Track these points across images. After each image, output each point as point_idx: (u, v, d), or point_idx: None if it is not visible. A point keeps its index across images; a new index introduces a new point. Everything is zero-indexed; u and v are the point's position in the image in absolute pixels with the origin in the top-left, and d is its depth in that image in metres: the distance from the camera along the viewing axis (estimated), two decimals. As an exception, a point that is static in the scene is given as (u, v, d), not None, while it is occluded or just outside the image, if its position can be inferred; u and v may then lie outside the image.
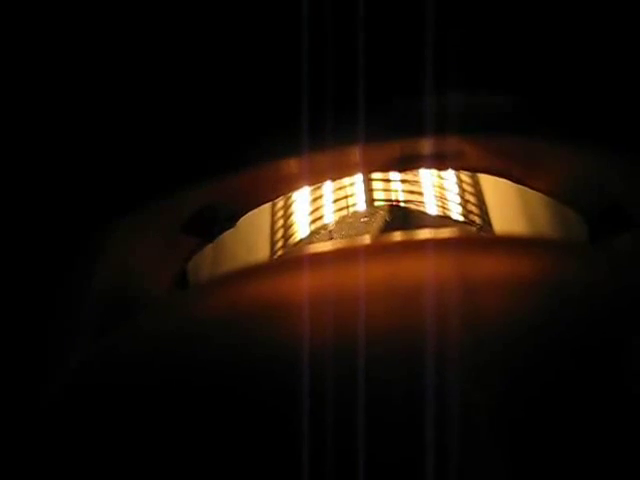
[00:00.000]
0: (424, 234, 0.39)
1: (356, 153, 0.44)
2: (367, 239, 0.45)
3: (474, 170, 0.49)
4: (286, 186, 0.47)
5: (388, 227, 0.48)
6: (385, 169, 0.47)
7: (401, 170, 0.47)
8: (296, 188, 0.48)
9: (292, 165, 0.44)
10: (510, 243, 0.40)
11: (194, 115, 0.43)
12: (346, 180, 0.50)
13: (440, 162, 0.45)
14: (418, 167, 0.47)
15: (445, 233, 0.41)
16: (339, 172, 0.46)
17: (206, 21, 0.44)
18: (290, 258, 0.44)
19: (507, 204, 0.52)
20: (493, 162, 0.46)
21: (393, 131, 0.43)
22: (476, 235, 0.46)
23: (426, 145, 0.44)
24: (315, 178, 0.46)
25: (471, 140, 0.44)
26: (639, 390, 0.38)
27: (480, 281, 0.37)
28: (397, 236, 0.39)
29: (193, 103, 0.43)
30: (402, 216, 0.49)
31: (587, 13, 0.44)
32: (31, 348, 0.45)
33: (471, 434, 0.36)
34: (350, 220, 0.49)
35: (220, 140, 0.43)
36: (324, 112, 0.41)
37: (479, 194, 0.52)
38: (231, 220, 0.47)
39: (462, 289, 0.37)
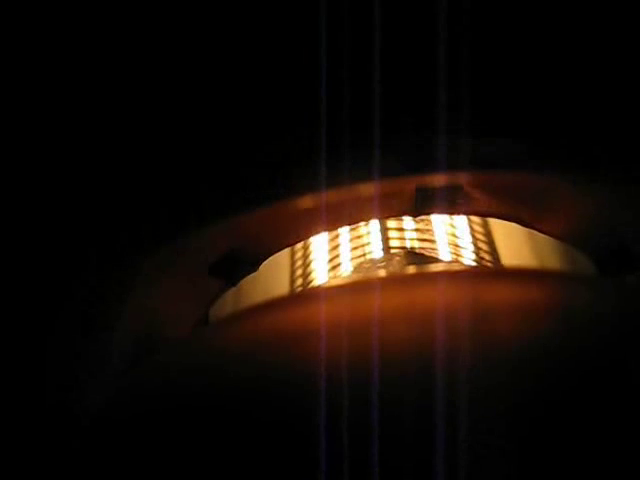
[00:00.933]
0: (438, 267, 0.41)
1: (371, 188, 0.46)
2: (383, 273, 0.47)
3: (484, 215, 0.50)
4: (306, 230, 0.49)
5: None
6: (398, 213, 0.49)
7: (414, 215, 0.49)
8: (315, 232, 0.50)
9: (310, 204, 0.46)
10: (521, 273, 0.42)
11: (215, 156, 0.46)
12: (363, 229, 0.53)
13: (450, 206, 0.47)
14: (430, 212, 0.49)
15: (458, 266, 0.42)
16: (356, 211, 0.48)
17: (225, 60, 0.46)
18: (307, 291, 0.46)
19: (518, 249, 0.53)
20: (502, 206, 0.48)
21: (404, 169, 0.45)
22: (488, 267, 0.48)
23: (437, 186, 0.46)
24: (333, 218, 0.48)
25: (481, 179, 0.46)
26: None
27: (492, 307, 0.39)
28: (412, 269, 0.41)
29: (215, 144, 0.46)
30: (418, 262, 0.51)
31: (595, 52, 0.46)
32: (57, 385, 0.46)
33: (482, 456, 0.38)
34: (367, 266, 0.51)
35: (240, 179, 0.45)
36: (341, 150, 0.43)
37: (490, 240, 0.53)
38: (254, 264, 0.49)
39: (475, 316, 0.38)
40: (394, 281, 0.40)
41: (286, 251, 0.52)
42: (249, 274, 0.49)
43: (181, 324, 0.49)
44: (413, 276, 0.40)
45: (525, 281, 0.40)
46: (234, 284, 0.49)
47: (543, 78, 0.46)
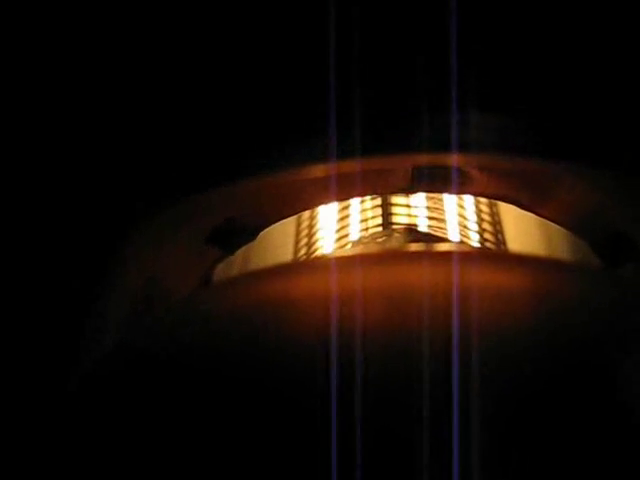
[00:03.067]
0: (424, 246, 0.41)
1: (373, 164, 0.46)
2: (371, 249, 0.47)
3: (482, 195, 0.50)
4: (306, 201, 0.49)
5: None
6: (398, 190, 0.49)
7: (413, 191, 0.49)
8: (317, 203, 0.50)
9: (313, 175, 0.46)
10: (508, 258, 0.41)
11: (219, 124, 0.46)
12: (368, 204, 0.53)
13: (447, 185, 0.47)
14: (426, 190, 0.49)
15: (446, 246, 0.42)
16: (359, 186, 0.48)
17: (236, 32, 0.47)
18: (294, 263, 0.46)
19: (525, 230, 0.53)
20: (501, 188, 0.48)
21: (405, 146, 0.45)
22: (475, 249, 0.47)
23: (435, 165, 0.46)
24: (336, 190, 0.48)
25: (480, 162, 0.46)
26: (634, 406, 0.38)
27: (473, 291, 0.38)
28: (399, 247, 0.41)
29: (219, 113, 0.46)
30: (418, 239, 0.51)
31: (603, 38, 0.45)
32: (62, 341, 0.47)
33: (464, 436, 0.38)
34: (367, 240, 0.51)
35: (242, 147, 0.46)
36: (347, 124, 0.43)
37: (497, 224, 0.53)
38: (253, 233, 0.49)
39: (455, 297, 0.38)
40: (378, 258, 0.40)
41: (292, 220, 0.53)
42: (247, 243, 0.50)
43: (180, 289, 0.50)
44: (397, 254, 0.40)
45: (511, 266, 0.40)
46: (232, 253, 0.50)
47: (548, 63, 0.45)
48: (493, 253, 0.45)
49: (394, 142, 0.45)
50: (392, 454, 0.38)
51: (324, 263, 0.39)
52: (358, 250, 0.45)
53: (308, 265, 0.41)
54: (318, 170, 0.46)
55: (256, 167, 0.46)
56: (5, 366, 0.47)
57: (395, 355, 0.38)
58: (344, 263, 0.39)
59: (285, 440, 0.39)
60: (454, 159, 0.45)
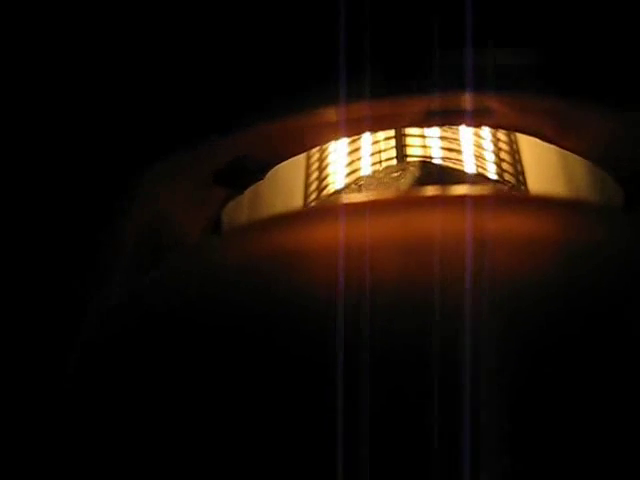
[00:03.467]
0: (439, 190, 0.39)
1: (386, 106, 0.44)
2: (382, 194, 0.45)
3: (505, 128, 0.48)
4: (315, 139, 0.47)
5: (418, 183, 0.48)
6: (415, 124, 0.47)
7: (430, 125, 0.47)
8: (326, 141, 0.48)
9: (321, 117, 0.45)
10: (528, 202, 0.39)
11: (226, 66, 0.44)
12: (380, 135, 0.51)
13: (469, 118, 0.45)
14: (447, 123, 0.47)
15: (462, 190, 0.40)
16: (371, 124, 0.46)
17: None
18: (308, 210, 0.44)
19: (546, 164, 0.51)
20: (524, 120, 0.45)
21: (424, 85, 0.43)
22: (496, 192, 0.45)
23: (455, 100, 0.43)
24: (347, 130, 0.46)
25: (501, 98, 0.43)
26: None
27: (492, 240, 0.37)
28: (415, 189, 0.39)
29: (226, 54, 0.44)
30: (433, 172, 0.49)
31: None
32: (70, 288, 0.46)
33: (473, 395, 0.37)
34: (380, 175, 0.49)
35: (254, 90, 0.44)
36: (358, 65, 0.41)
37: (515, 154, 0.51)
38: (261, 171, 0.47)
39: (473, 247, 0.37)
40: (390, 205, 0.38)
41: (302, 155, 0.51)
42: (255, 182, 0.48)
43: (192, 227, 0.49)
44: (410, 201, 0.38)
45: (531, 212, 0.38)
46: (241, 192, 0.48)
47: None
48: (509, 196, 0.43)
49: (406, 85, 0.42)
50: (403, 412, 0.37)
51: (334, 211, 0.37)
52: (370, 195, 0.43)
53: (318, 214, 0.39)
54: (328, 114, 0.44)
55: (268, 112, 0.44)
56: (9, 319, 0.46)
57: (409, 309, 0.37)
58: (355, 211, 0.37)
59: (295, 395, 0.38)
60: (469, 100, 0.43)
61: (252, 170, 0.47)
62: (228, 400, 0.39)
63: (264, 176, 0.48)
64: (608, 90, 0.43)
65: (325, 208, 0.43)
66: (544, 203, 0.39)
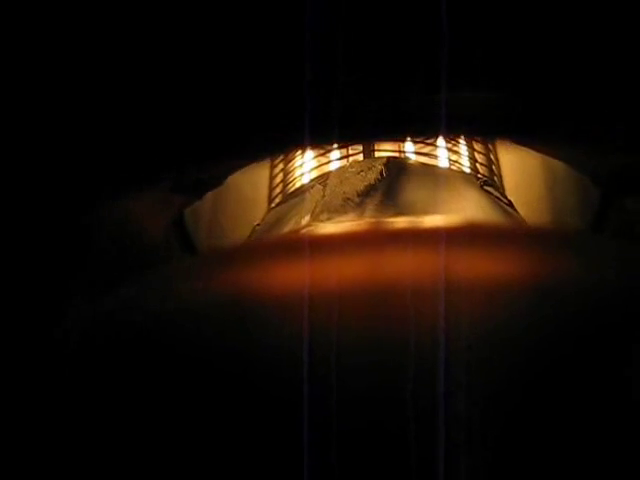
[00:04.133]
0: (407, 223, 0.37)
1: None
2: (349, 226, 0.42)
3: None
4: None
5: (382, 180, 0.45)
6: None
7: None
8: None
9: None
10: (500, 235, 0.37)
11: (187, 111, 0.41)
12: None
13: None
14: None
15: (434, 221, 0.38)
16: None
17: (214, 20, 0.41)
18: (276, 243, 0.42)
19: (523, 161, 0.49)
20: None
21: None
22: (461, 225, 0.43)
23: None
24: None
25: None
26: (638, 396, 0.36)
27: (461, 282, 0.35)
28: (379, 224, 0.37)
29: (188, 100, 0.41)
30: (399, 169, 0.46)
31: (589, 14, 0.39)
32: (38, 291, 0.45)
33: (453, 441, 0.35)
34: (347, 173, 0.47)
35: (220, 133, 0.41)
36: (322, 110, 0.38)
37: (490, 152, 0.49)
38: (219, 179, 0.45)
39: (443, 291, 0.35)
40: (356, 242, 0.36)
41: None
42: (213, 189, 0.46)
43: (155, 228, 0.47)
44: (377, 236, 0.36)
45: (504, 247, 0.35)
46: (199, 198, 0.46)
47: (538, 43, 0.40)
48: (484, 230, 0.40)
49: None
50: (376, 450, 0.36)
51: (297, 247, 0.35)
52: (337, 227, 0.41)
53: (285, 249, 0.37)
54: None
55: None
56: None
57: (375, 349, 0.35)
58: (321, 247, 0.35)
59: (261, 433, 0.37)
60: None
61: (209, 180, 0.45)
62: (190, 433, 0.38)
63: (223, 183, 0.45)
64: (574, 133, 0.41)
65: (292, 242, 0.41)
66: (519, 237, 0.37)
